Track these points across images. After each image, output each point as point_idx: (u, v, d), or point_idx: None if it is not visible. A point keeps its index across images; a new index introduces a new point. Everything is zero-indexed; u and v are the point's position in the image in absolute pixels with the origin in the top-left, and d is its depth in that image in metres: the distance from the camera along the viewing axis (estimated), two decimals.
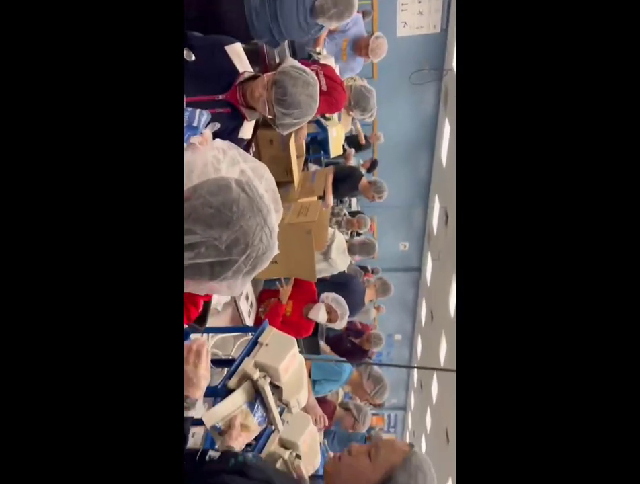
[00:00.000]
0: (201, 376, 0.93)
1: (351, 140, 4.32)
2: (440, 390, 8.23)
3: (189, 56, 1.38)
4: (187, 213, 0.65)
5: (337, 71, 2.82)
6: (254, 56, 2.09)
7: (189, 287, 0.72)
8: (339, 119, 2.98)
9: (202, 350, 0.93)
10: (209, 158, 0.69)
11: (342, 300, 2.41)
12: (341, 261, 2.84)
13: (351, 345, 3.71)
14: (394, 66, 5.45)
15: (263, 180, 0.74)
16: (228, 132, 1.46)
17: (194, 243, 0.66)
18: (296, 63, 1.40)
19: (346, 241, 3.11)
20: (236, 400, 1.09)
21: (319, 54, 2.60)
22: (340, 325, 2.47)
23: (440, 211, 6.83)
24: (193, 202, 0.66)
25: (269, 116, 1.42)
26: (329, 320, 2.40)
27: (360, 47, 2.92)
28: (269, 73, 1.40)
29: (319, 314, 2.31)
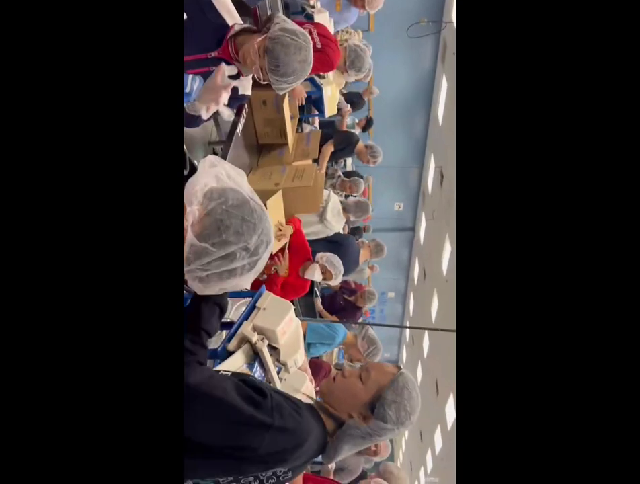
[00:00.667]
0: None
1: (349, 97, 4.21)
2: (431, 345, 8.52)
3: None
4: (216, 227, 0.75)
5: (331, 23, 2.70)
6: (243, 8, 1.98)
7: (210, 289, 0.81)
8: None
9: None
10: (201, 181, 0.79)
11: (337, 259, 2.44)
12: (336, 223, 2.87)
13: (344, 302, 3.79)
14: (392, 17, 5.22)
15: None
16: None
17: (230, 252, 0.76)
18: (287, 25, 1.32)
19: (341, 202, 3.11)
20: (236, 362, 1.13)
21: (313, 7, 2.48)
22: (335, 282, 2.52)
23: (435, 171, 6.79)
24: (217, 216, 0.75)
25: (264, 82, 1.38)
26: (324, 279, 2.45)
27: None
28: (260, 39, 1.32)
29: (315, 273, 2.35)
